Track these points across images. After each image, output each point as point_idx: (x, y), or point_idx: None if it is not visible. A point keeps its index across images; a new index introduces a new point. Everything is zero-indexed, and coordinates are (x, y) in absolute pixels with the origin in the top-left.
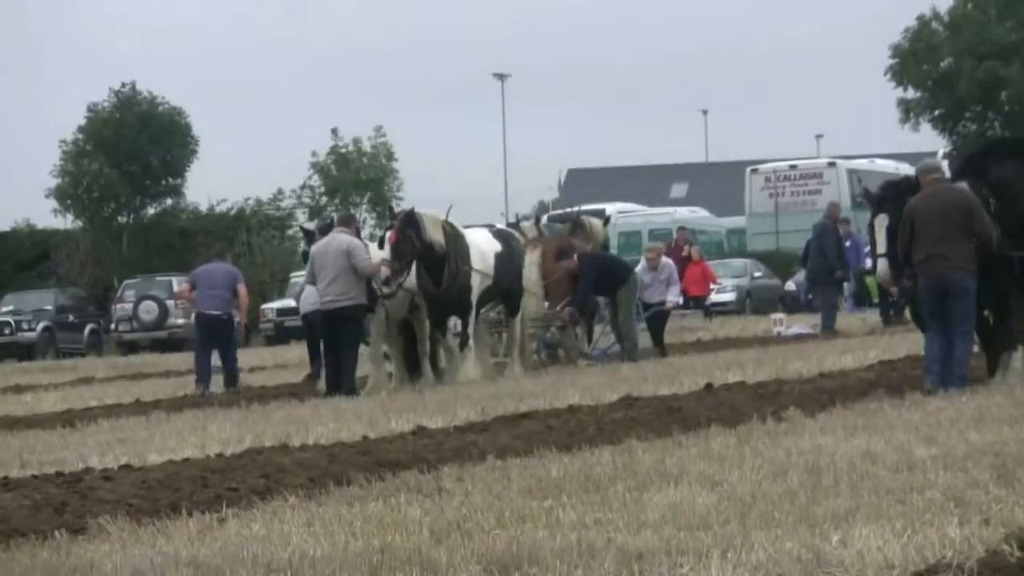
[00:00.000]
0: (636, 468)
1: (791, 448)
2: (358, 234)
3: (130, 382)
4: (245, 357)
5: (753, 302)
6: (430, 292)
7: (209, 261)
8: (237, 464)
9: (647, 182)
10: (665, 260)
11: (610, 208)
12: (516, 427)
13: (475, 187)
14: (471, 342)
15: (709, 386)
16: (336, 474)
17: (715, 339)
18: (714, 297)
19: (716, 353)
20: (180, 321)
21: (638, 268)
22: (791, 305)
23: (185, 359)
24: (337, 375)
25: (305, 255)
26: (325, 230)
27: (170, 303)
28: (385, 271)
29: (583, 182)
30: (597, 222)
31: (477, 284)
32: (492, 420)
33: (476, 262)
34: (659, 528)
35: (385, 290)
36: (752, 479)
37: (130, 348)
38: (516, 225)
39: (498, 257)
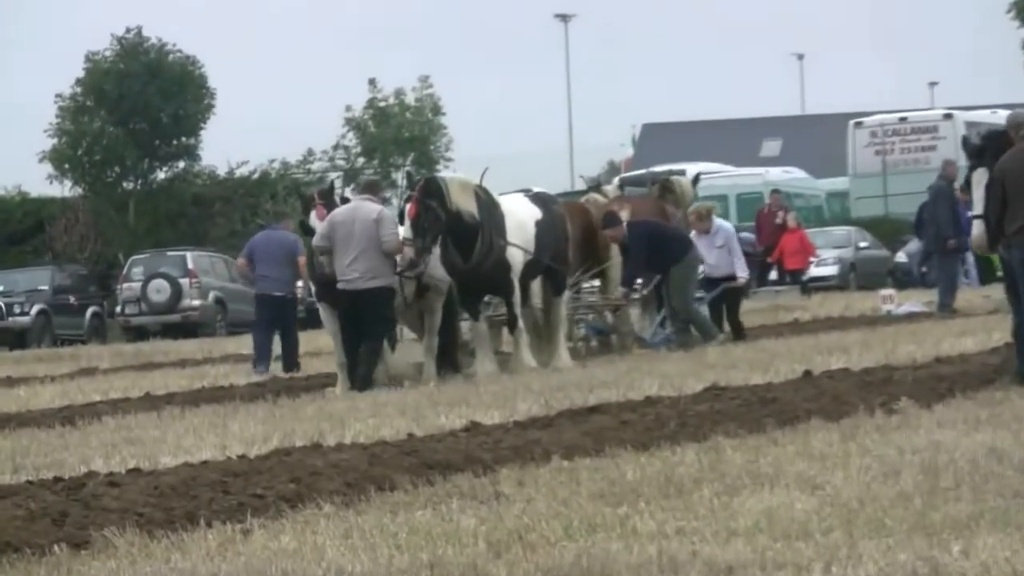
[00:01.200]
0: (724, 469)
1: (904, 445)
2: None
3: (138, 373)
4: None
5: (858, 276)
6: (458, 269)
7: (266, 227)
8: (263, 467)
9: (734, 138)
10: (719, 223)
11: (691, 168)
12: (585, 422)
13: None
14: (520, 323)
15: (808, 373)
16: (377, 478)
17: (815, 319)
18: (813, 271)
19: (816, 335)
20: (195, 303)
21: (692, 234)
22: (902, 280)
23: (201, 346)
24: (358, 364)
25: (303, 226)
26: (326, 196)
27: (183, 282)
28: (408, 251)
29: (660, 139)
30: (687, 183)
31: (520, 260)
32: (557, 415)
33: (514, 234)
34: (751, 538)
35: (408, 274)
36: (859, 481)
37: (138, 334)
38: (596, 188)
39: (539, 226)
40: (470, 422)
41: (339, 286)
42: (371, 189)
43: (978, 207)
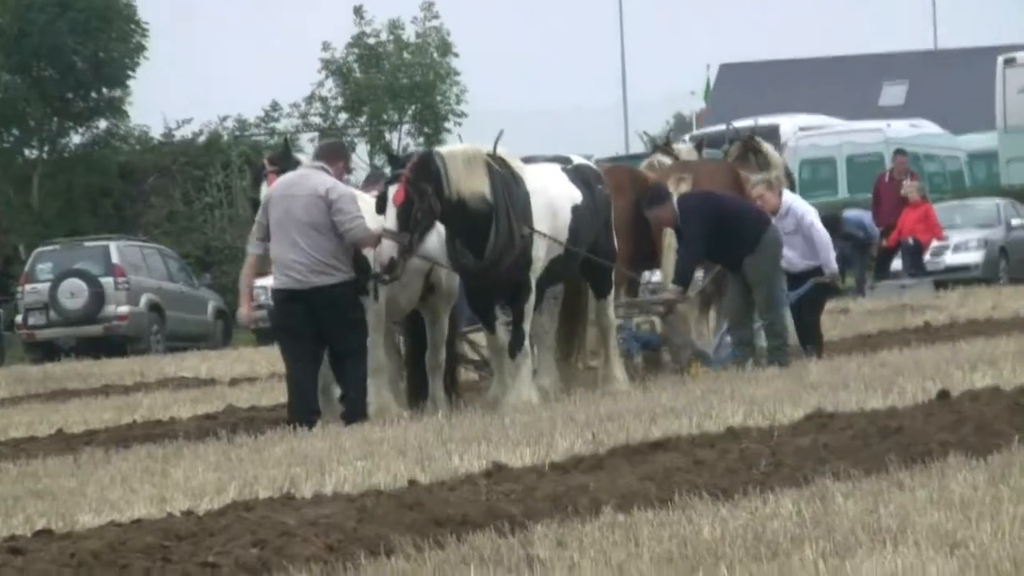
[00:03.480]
0: (834, 522)
1: None
2: (345, 174)
3: (47, 404)
4: (225, 362)
5: (1011, 264)
6: (468, 267)
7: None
8: (216, 527)
9: (844, 82)
10: (790, 200)
11: (787, 122)
12: (646, 463)
13: (575, 97)
14: (527, 344)
15: (944, 394)
16: (369, 539)
17: (952, 323)
18: (949, 258)
19: (954, 344)
20: (123, 309)
21: None
22: None
23: (131, 367)
24: (342, 390)
25: (255, 204)
26: (281, 160)
27: (106, 282)
28: (388, 248)
29: (742, 83)
30: (775, 152)
31: (544, 254)
32: (609, 453)
33: (543, 220)
34: None
35: (385, 277)
36: (1013, 536)
37: (46, 351)
38: (666, 147)
39: (577, 213)
40: (493, 464)
41: (276, 283)
42: (330, 155)
43: None
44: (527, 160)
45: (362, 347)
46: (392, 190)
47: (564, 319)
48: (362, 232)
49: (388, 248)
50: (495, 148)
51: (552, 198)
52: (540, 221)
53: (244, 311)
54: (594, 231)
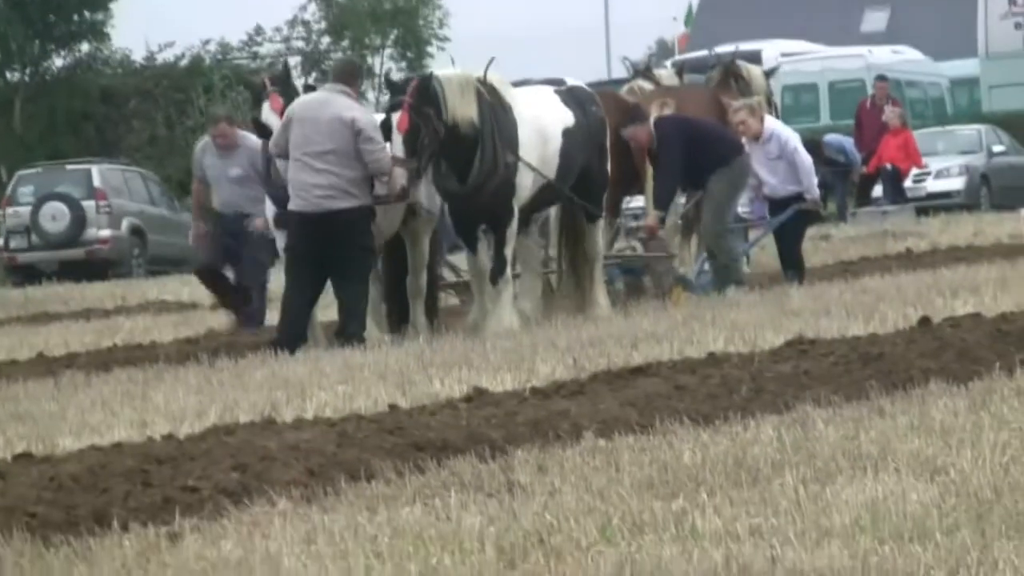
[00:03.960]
0: (814, 448)
1: None
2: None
3: (28, 327)
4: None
5: (993, 192)
6: (452, 192)
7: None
8: (197, 451)
9: (826, 8)
10: (773, 126)
11: (769, 48)
12: (628, 388)
13: (559, 21)
14: (508, 270)
15: (926, 321)
16: (349, 463)
17: (934, 249)
18: (931, 185)
19: (935, 271)
20: (104, 233)
21: None
22: None
23: (113, 290)
24: (342, 315)
25: (257, 124)
26: (281, 82)
27: (88, 205)
28: (400, 176)
29: (725, 9)
30: (758, 71)
31: (530, 182)
32: (590, 378)
33: (531, 148)
34: (850, 540)
35: (394, 203)
36: (993, 463)
37: (27, 275)
38: (647, 73)
39: (568, 137)
40: (473, 389)
41: (292, 205)
42: (347, 76)
43: None
44: (521, 83)
45: (366, 276)
46: (396, 117)
47: (568, 243)
48: (387, 164)
49: (400, 175)
50: (485, 74)
51: (543, 125)
52: (529, 147)
53: (198, 232)
54: (586, 154)
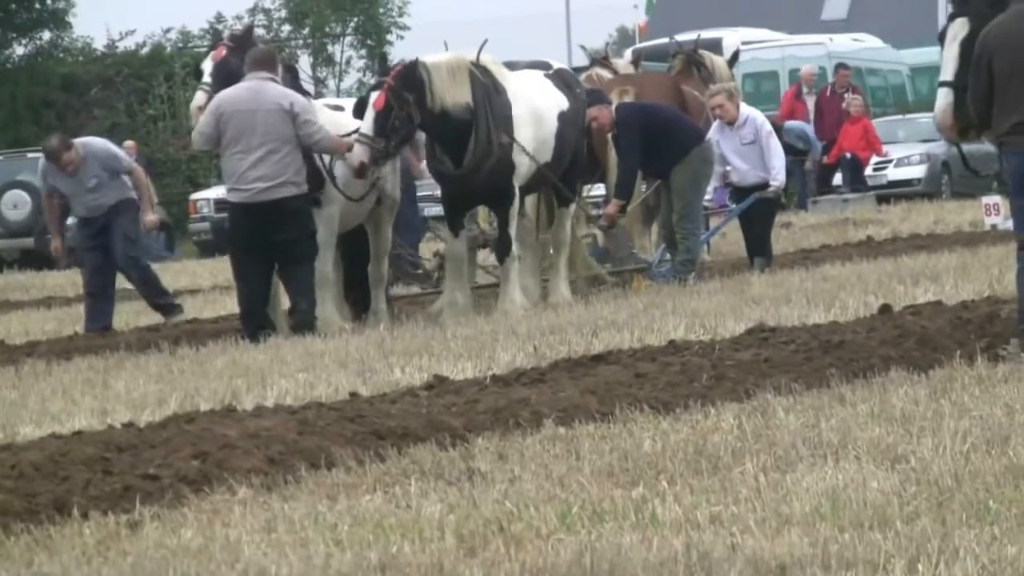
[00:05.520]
0: (775, 436)
1: (1014, 402)
2: (296, 84)
3: None
4: (168, 274)
5: (954, 180)
6: (448, 176)
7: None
8: (157, 439)
9: None
10: (747, 111)
11: (729, 36)
12: (588, 376)
13: (519, 8)
14: (514, 248)
15: (886, 309)
16: (309, 451)
17: (894, 237)
18: (892, 173)
19: (896, 258)
20: (66, 221)
21: (711, 131)
22: None
23: (73, 278)
24: (294, 302)
25: (197, 69)
26: (240, 40)
27: None
28: (360, 152)
29: None
30: (722, 63)
31: (527, 161)
32: (550, 366)
33: (526, 130)
34: (810, 528)
35: (356, 184)
36: (954, 451)
37: None
38: (604, 61)
39: (563, 120)
40: (434, 377)
41: (232, 197)
42: (270, 64)
43: (947, 70)
44: (508, 66)
45: (312, 258)
46: (374, 96)
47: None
48: (329, 142)
49: (360, 152)
50: (478, 56)
51: (537, 106)
52: (524, 128)
53: (57, 245)
54: (576, 138)
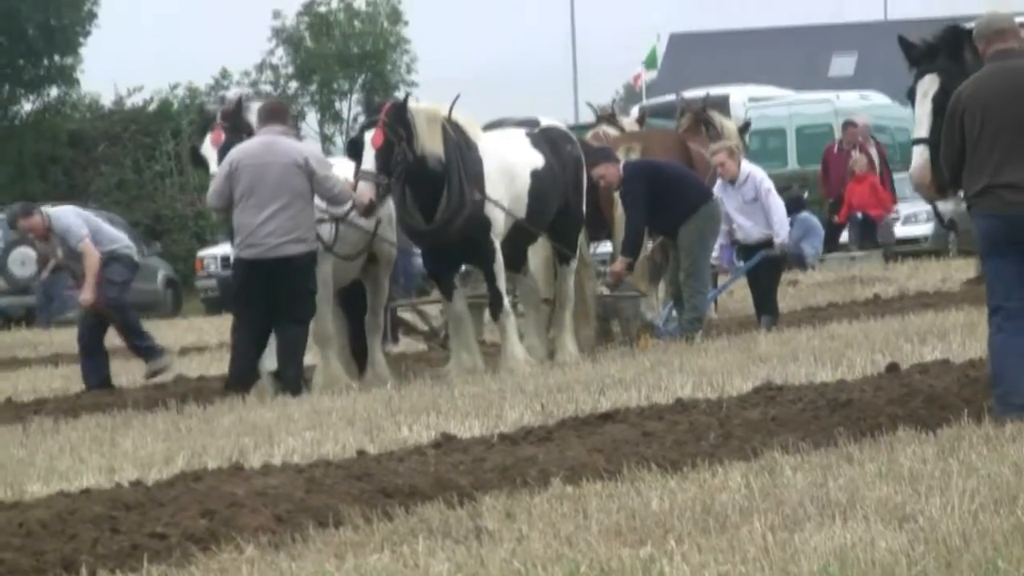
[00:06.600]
0: (783, 495)
1: (1022, 461)
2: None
3: None
4: (175, 331)
5: (961, 237)
6: (419, 231)
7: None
8: (165, 497)
9: (793, 53)
10: (749, 168)
11: (737, 92)
12: (595, 434)
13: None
14: (506, 303)
15: (894, 367)
16: (317, 509)
17: (902, 295)
18: (899, 230)
19: (904, 317)
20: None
21: (716, 188)
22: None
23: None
24: (281, 363)
25: (194, 154)
26: (231, 117)
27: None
28: (368, 191)
29: (692, 54)
30: (730, 123)
31: (503, 217)
32: (558, 425)
33: (498, 186)
34: None
35: (360, 221)
36: (962, 510)
37: None
38: (609, 119)
39: (537, 178)
40: (441, 435)
41: (243, 254)
42: (279, 116)
43: (921, 127)
44: (497, 123)
45: (307, 320)
46: (369, 135)
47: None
48: (343, 193)
49: (367, 190)
50: (450, 113)
51: (509, 164)
52: (495, 185)
53: (90, 296)
54: (561, 194)
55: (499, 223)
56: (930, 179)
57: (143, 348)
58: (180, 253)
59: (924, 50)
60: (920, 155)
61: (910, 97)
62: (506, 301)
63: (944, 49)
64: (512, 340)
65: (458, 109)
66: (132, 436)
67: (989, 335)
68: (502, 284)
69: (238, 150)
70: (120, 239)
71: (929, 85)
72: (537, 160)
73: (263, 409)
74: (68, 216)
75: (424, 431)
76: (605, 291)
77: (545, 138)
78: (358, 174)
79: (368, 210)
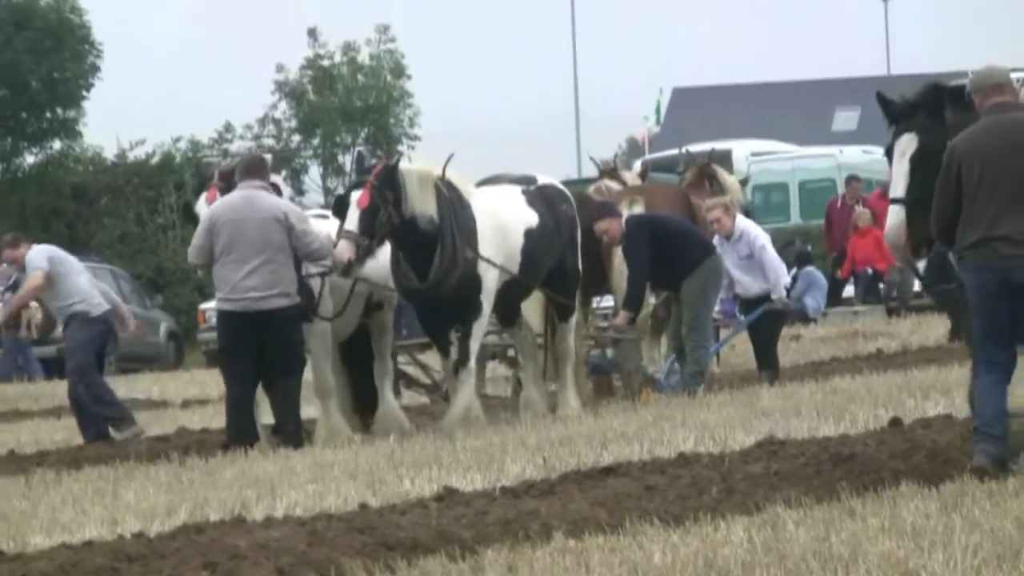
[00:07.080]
0: (785, 549)
1: None
2: (277, 191)
3: None
4: (177, 384)
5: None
6: (413, 290)
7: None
8: (167, 549)
9: (796, 108)
10: (743, 224)
11: (740, 146)
12: (597, 488)
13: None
14: (471, 362)
15: (897, 422)
16: (319, 562)
17: (904, 350)
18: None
19: (907, 371)
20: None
21: (715, 241)
22: None
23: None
24: (278, 417)
25: (187, 211)
26: (228, 177)
27: None
28: (347, 250)
29: (695, 108)
30: (734, 180)
31: (495, 275)
32: (560, 478)
33: (491, 244)
34: None
35: (336, 278)
36: (965, 565)
37: None
38: (611, 173)
39: (531, 237)
40: (444, 488)
41: (225, 307)
42: (263, 171)
43: (898, 187)
44: (493, 179)
45: (298, 371)
46: (355, 195)
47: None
48: (326, 251)
49: (346, 249)
50: (444, 172)
51: (503, 222)
52: (489, 243)
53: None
54: (555, 252)
55: (491, 281)
56: (906, 239)
57: (109, 417)
58: (182, 306)
59: (903, 107)
60: (896, 215)
61: (888, 155)
62: (471, 361)
63: (924, 107)
64: (462, 398)
65: (452, 167)
66: (134, 488)
67: (971, 382)
68: (476, 345)
69: (218, 204)
70: (87, 296)
71: (907, 144)
72: (532, 218)
73: (265, 462)
74: (40, 252)
75: (426, 484)
76: (604, 324)
77: (541, 196)
78: (340, 232)
79: (346, 270)
